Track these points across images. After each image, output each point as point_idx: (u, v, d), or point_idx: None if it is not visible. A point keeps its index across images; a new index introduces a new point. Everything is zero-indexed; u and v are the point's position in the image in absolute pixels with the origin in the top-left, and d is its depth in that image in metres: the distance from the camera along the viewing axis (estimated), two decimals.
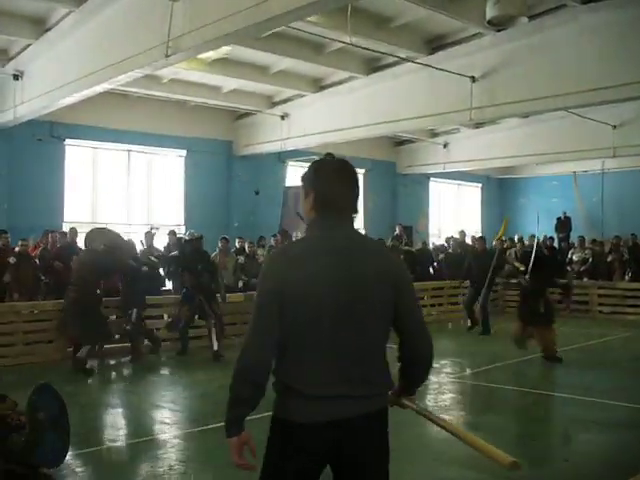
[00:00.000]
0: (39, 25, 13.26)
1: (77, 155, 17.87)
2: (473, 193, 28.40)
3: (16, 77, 14.47)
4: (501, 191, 28.92)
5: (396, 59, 14.85)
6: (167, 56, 9.60)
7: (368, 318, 2.86)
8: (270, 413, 2.94)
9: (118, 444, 7.26)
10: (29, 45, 13.90)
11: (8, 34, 13.57)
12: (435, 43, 14.26)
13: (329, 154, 12.93)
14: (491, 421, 8.19)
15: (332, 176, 2.99)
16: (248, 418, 2.85)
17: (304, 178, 3.08)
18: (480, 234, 22.22)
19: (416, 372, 3.14)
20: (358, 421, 2.85)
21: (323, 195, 2.96)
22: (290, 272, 2.81)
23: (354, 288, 2.83)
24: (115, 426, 8.21)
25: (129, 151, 18.68)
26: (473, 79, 13.64)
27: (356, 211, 3.03)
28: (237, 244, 16.51)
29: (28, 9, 12.80)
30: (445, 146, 23.05)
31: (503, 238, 17.59)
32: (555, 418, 8.83)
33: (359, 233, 3.06)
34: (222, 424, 2.88)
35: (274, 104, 18.96)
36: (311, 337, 2.81)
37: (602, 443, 7.36)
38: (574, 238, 22.35)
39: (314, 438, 2.83)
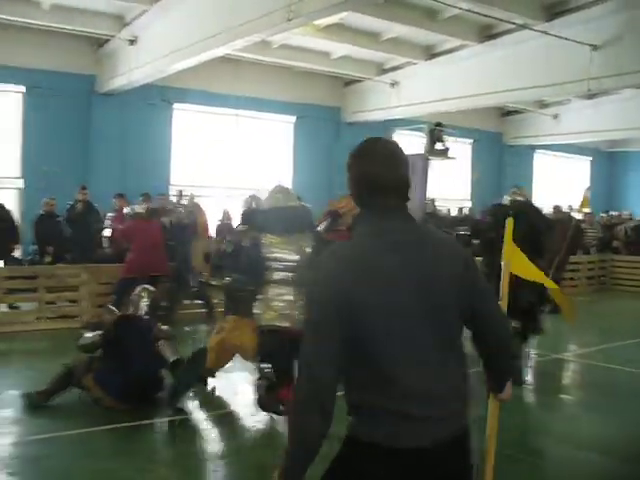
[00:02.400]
0: None
1: (185, 119, 18.10)
2: (581, 166, 27.58)
3: (131, 42, 14.69)
4: (610, 165, 28.05)
5: (511, 26, 14.43)
6: (289, 20, 9.55)
7: (449, 318, 2.47)
8: None
9: None
10: (145, 11, 14.05)
11: (125, 0, 13.74)
12: (554, 9, 13.68)
13: (438, 123, 12.86)
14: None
15: (381, 159, 2.50)
16: None
17: (348, 166, 2.59)
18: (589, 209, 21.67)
19: (501, 362, 2.74)
20: (449, 444, 2.42)
21: (373, 182, 2.48)
22: (355, 279, 2.35)
23: (431, 285, 2.41)
24: None
25: (237, 116, 18.78)
26: (594, 47, 13.11)
27: (408, 198, 2.53)
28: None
29: None
30: (555, 117, 22.38)
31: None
32: None
33: (417, 223, 2.55)
34: None
35: (384, 71, 18.75)
36: (392, 349, 2.36)
37: None
38: None
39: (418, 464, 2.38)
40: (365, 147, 2.56)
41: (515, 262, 3.86)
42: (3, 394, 7.20)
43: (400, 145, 2.58)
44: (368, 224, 2.49)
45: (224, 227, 14.35)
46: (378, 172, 2.48)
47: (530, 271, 4.04)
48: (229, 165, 18.65)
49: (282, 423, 6.39)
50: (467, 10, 13.37)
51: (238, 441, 6.31)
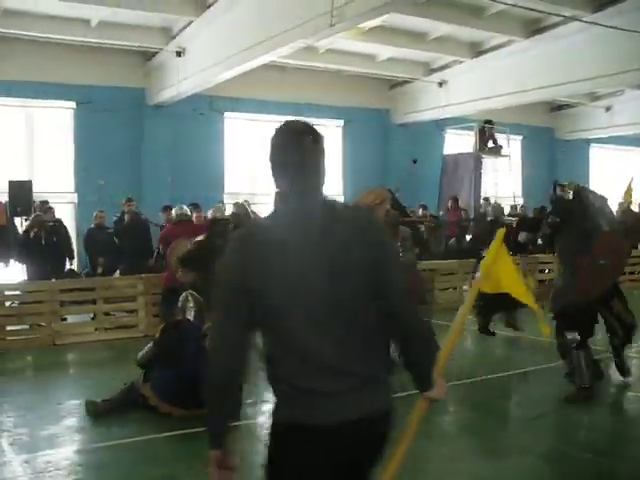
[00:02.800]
0: (199, 3, 13.62)
1: (236, 127, 18.27)
2: (638, 158, 26.97)
3: (179, 54, 14.91)
4: None
5: (558, 20, 14.28)
6: (332, 25, 9.59)
7: (357, 299, 2.50)
8: None
9: None
10: (191, 22, 14.24)
11: (171, 13, 13.97)
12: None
13: (488, 121, 12.74)
14: None
15: (289, 142, 2.55)
16: None
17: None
18: None
19: (414, 349, 2.67)
20: (363, 422, 2.49)
21: (282, 163, 2.54)
22: (261, 255, 2.47)
23: (337, 265, 2.45)
24: None
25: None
26: None
27: (322, 177, 2.59)
28: None
29: None
30: (607, 109, 22.03)
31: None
32: None
33: (330, 201, 2.60)
34: None
35: (431, 71, 18.70)
36: (293, 329, 2.46)
37: None
38: None
39: (322, 441, 2.47)
40: (277, 130, 2.61)
41: (494, 275, 3.53)
42: (65, 404, 7.32)
43: (313, 127, 2.62)
44: (280, 204, 2.58)
45: None
46: (286, 153, 2.54)
47: (508, 283, 3.62)
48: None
49: None
50: (512, 5, 13.24)
51: None
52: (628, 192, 17.10)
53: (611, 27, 13.01)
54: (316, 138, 2.59)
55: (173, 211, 12.30)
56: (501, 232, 3.57)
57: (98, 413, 6.75)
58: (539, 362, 8.75)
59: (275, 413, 2.59)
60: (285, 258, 2.46)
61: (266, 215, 2.69)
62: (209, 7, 13.44)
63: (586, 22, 13.45)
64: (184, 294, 7.88)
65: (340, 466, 2.54)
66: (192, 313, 7.48)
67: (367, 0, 9.09)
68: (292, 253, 2.46)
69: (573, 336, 7.00)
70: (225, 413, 2.56)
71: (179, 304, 7.82)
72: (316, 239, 2.48)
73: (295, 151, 2.53)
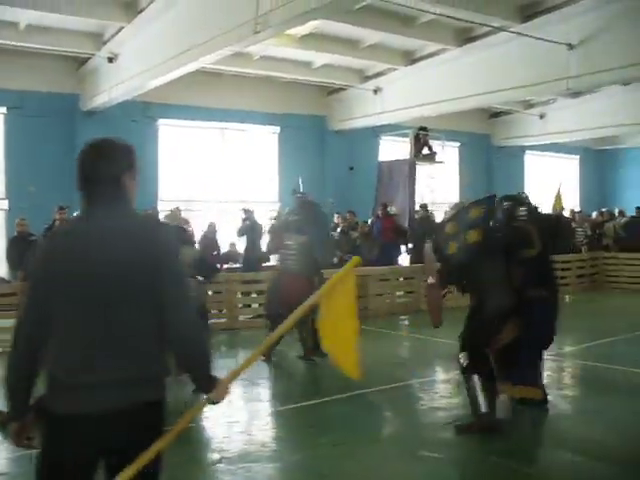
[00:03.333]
0: (131, 8, 13.52)
1: (171, 134, 18.17)
2: (571, 166, 27.59)
3: (110, 60, 14.78)
4: (599, 163, 28.01)
5: (489, 29, 14.57)
6: (256, 32, 9.63)
7: (122, 303, 2.74)
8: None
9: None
10: (122, 28, 14.15)
11: (102, 18, 13.84)
12: (529, 10, 13.77)
13: (423, 127, 12.82)
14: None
15: (86, 154, 2.89)
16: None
17: None
18: (578, 208, 21.89)
19: (179, 351, 2.88)
20: (121, 413, 2.72)
21: (79, 174, 2.86)
22: (46, 254, 2.83)
23: (103, 273, 2.72)
24: None
25: (223, 129, 18.86)
26: (570, 46, 13.17)
27: (115, 189, 2.86)
28: (336, 219, 16.48)
29: None
30: (541, 117, 22.44)
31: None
32: None
33: (119, 214, 2.87)
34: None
35: (366, 78, 18.84)
36: (64, 322, 2.77)
37: None
38: None
39: (80, 430, 2.72)
40: (84, 145, 2.94)
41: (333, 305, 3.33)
42: None
43: (114, 142, 2.95)
44: (80, 212, 2.98)
45: (207, 240, 14.41)
46: (82, 165, 2.87)
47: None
48: (216, 178, 18.67)
49: None
50: (441, 15, 13.47)
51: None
52: (558, 199, 17.51)
53: (536, 38, 13.31)
54: (104, 154, 2.90)
55: None
56: (355, 259, 3.52)
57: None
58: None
59: (44, 402, 2.82)
60: (59, 261, 2.76)
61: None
62: (140, 13, 13.36)
63: (513, 32, 13.74)
64: None
65: (103, 453, 2.80)
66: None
67: (290, 8, 9.11)
68: (65, 257, 2.76)
69: (464, 358, 6.64)
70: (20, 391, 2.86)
71: None
72: (87, 244, 2.75)
73: (83, 167, 2.86)
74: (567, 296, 15.21)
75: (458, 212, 7.23)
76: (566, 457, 6.06)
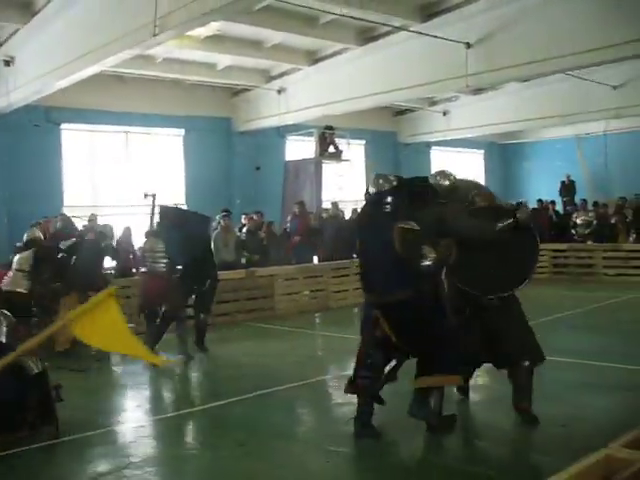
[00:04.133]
0: (26, 9, 13.15)
1: (74, 139, 17.79)
2: (476, 160, 28.22)
3: (7, 63, 14.34)
4: (504, 157, 28.75)
5: (390, 28, 14.73)
6: (155, 35, 9.53)
7: None
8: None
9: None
10: (18, 30, 13.79)
11: None
12: (429, 10, 14.05)
13: (328, 126, 12.77)
14: (485, 386, 8.14)
15: None
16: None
17: None
18: None
19: None
20: None
21: None
22: None
23: None
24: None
25: (127, 132, 18.59)
26: (468, 45, 13.47)
27: None
28: (243, 220, 16.43)
29: None
30: (445, 114, 22.88)
31: None
32: (553, 383, 8.53)
33: None
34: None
35: (271, 78, 18.84)
36: None
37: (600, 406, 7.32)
38: (579, 201, 22.20)
39: None
40: None
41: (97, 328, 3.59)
42: None
43: None
44: None
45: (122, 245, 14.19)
46: None
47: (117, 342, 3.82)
48: (123, 183, 18.37)
49: None
50: (342, 15, 13.59)
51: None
52: None
53: (436, 37, 13.57)
54: None
55: None
56: (112, 290, 3.56)
57: None
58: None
59: None
60: None
61: None
62: (36, 14, 13.03)
63: (412, 32, 13.97)
64: None
65: None
66: (3, 332, 7.13)
67: (188, 10, 9.04)
68: None
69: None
70: None
71: None
72: None
73: None
74: None
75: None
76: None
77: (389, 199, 6.31)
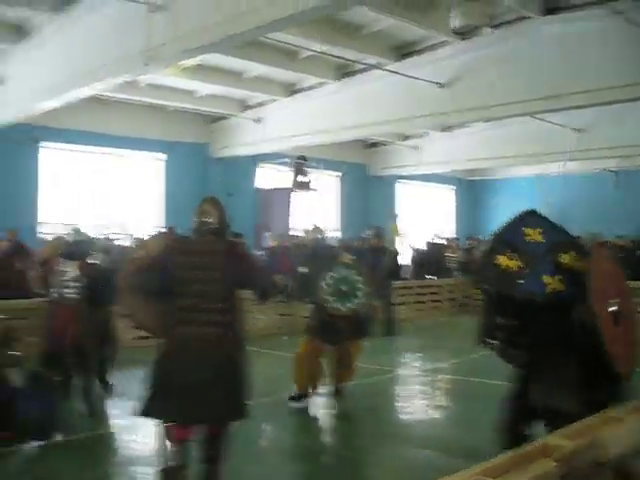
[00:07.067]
0: (19, 31, 13.62)
1: (55, 158, 18.25)
2: (447, 195, 29.04)
3: None
4: (473, 193, 29.50)
5: (365, 66, 15.43)
6: (146, 65, 10.01)
7: None
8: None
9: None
10: (4, 50, 14.25)
11: None
12: (404, 50, 14.78)
13: (301, 157, 13.26)
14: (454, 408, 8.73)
15: None
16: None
17: None
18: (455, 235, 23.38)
19: None
20: None
21: None
22: None
23: None
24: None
25: (107, 154, 19.05)
26: (440, 85, 14.11)
27: None
28: None
29: (7, 15, 13.18)
30: (416, 148, 23.51)
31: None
32: None
33: None
34: None
35: (247, 107, 19.48)
36: None
37: None
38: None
39: None
40: None
41: None
42: None
43: None
44: None
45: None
46: None
47: None
48: (102, 203, 18.78)
49: None
50: (321, 53, 14.29)
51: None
52: (394, 228, 18.12)
53: (408, 76, 14.27)
54: None
55: None
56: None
57: None
58: None
59: None
60: None
61: None
62: (27, 36, 13.49)
63: (387, 70, 14.68)
64: None
65: None
66: None
67: (180, 43, 9.47)
68: None
69: None
70: None
71: None
72: None
73: None
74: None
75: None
76: (423, 453, 6.83)
77: None
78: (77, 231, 11.91)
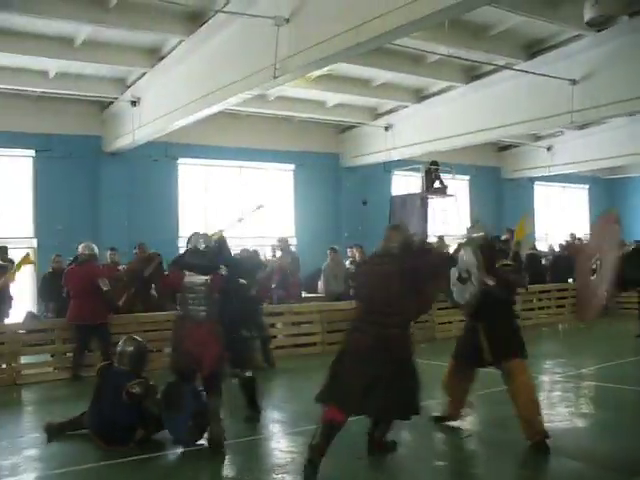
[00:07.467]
0: (153, 54, 14.28)
1: (190, 173, 18.93)
2: (580, 195, 28.14)
3: (133, 103, 15.48)
4: (610, 192, 28.43)
5: (495, 66, 15.16)
6: (275, 77, 10.18)
7: None
8: None
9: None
10: (144, 73, 14.93)
11: (126, 64, 14.63)
12: (534, 48, 14.41)
13: (434, 162, 13.00)
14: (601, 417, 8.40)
15: None
16: None
17: None
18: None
19: None
20: None
21: None
22: None
23: None
24: None
25: (240, 167, 19.56)
26: (573, 82, 13.70)
27: None
28: (348, 253, 16.87)
29: (143, 40, 13.81)
30: (549, 149, 22.97)
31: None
32: None
33: None
34: None
35: (378, 115, 19.51)
36: None
37: None
38: None
39: None
40: None
41: None
42: (25, 436, 7.75)
43: None
44: None
45: None
46: None
47: None
48: (234, 215, 19.15)
49: None
50: (448, 56, 14.14)
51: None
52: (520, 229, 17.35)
53: (540, 74, 13.92)
54: None
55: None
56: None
57: (52, 434, 7.34)
58: None
59: None
60: None
61: None
62: (161, 59, 14.06)
63: (517, 70, 14.36)
64: (125, 337, 7.82)
65: None
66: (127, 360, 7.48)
67: (307, 54, 9.63)
68: None
69: None
70: None
71: (118, 347, 7.70)
72: None
73: None
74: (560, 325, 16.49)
75: None
76: (572, 465, 6.58)
77: None
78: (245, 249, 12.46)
